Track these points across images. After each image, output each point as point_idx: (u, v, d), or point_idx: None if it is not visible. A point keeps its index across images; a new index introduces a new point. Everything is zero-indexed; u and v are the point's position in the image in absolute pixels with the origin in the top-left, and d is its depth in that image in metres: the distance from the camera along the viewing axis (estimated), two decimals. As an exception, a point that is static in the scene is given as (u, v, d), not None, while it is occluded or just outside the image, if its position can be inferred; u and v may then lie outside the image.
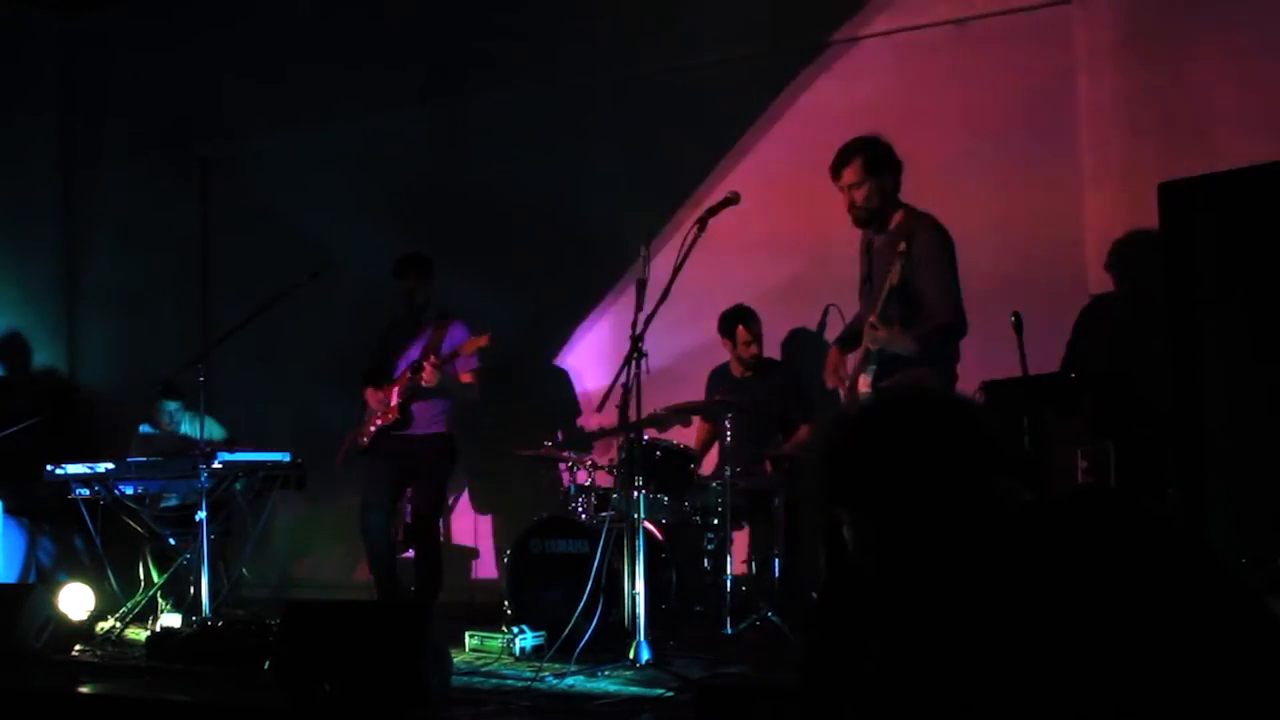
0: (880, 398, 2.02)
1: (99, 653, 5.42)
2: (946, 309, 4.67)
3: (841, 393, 4.96)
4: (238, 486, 5.97)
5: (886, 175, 4.80)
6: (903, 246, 4.62)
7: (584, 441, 6.75)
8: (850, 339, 5.10)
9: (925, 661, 1.74)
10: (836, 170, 4.86)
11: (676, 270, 5.01)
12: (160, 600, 5.96)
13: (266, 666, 4.39)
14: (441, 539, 6.50)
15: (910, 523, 1.73)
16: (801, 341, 6.76)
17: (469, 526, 7.34)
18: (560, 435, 6.84)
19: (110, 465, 5.77)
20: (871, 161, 4.79)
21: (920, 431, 1.77)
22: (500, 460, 6.84)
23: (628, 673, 4.61)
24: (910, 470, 1.73)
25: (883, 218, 4.84)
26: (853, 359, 4.93)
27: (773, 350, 6.49)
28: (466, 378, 6.25)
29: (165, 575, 5.98)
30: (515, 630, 5.18)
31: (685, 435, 6.50)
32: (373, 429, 6.27)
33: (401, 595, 6.21)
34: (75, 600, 5.75)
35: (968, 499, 1.72)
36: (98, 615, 5.86)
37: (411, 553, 6.36)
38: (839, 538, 1.82)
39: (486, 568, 6.58)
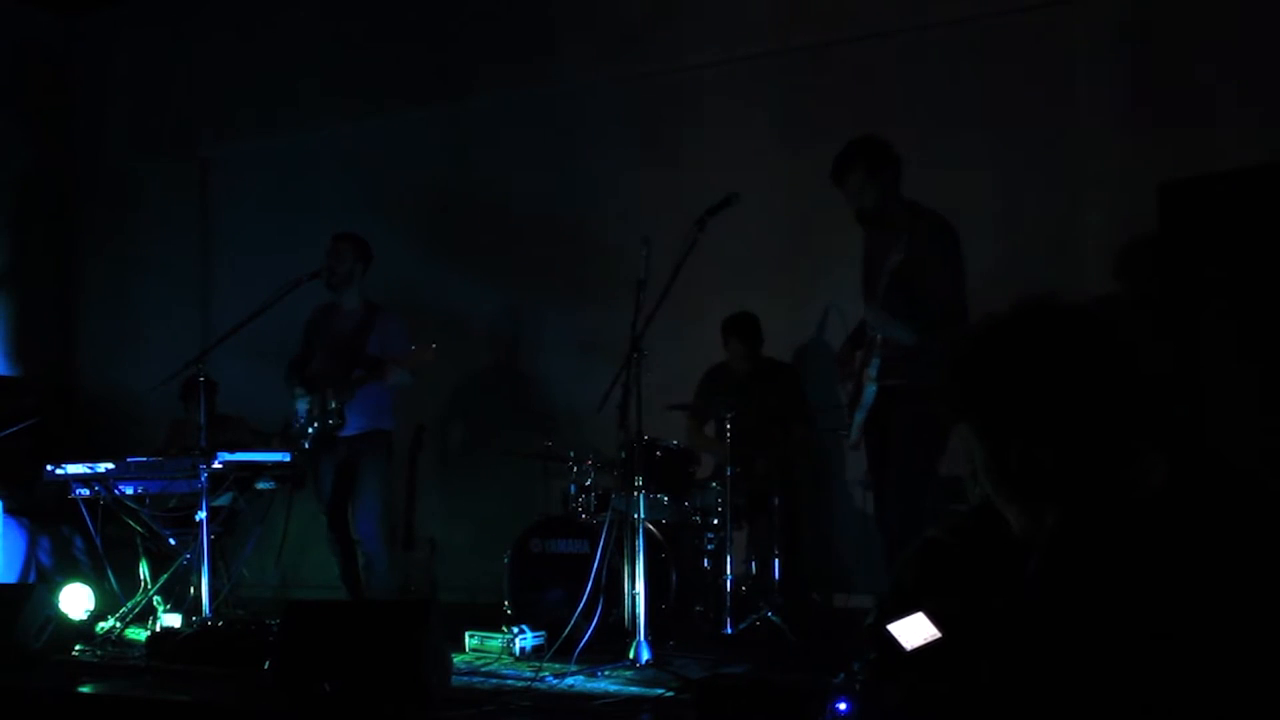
0: (1034, 307, 1.63)
1: (99, 653, 5.41)
2: (949, 304, 4.63)
3: (847, 389, 4.96)
4: (225, 499, 5.95)
5: (888, 172, 4.83)
6: (905, 240, 4.57)
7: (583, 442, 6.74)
8: (858, 338, 5.08)
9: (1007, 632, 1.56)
10: (840, 176, 4.87)
11: (677, 270, 5.01)
12: (156, 602, 5.95)
13: (266, 666, 4.38)
14: (386, 539, 6.40)
15: (1031, 462, 1.50)
16: (802, 342, 6.76)
17: (469, 527, 7.33)
18: (559, 435, 6.82)
19: (110, 465, 5.76)
20: (874, 163, 4.82)
21: (1080, 366, 1.51)
22: (500, 460, 6.83)
23: (628, 673, 4.60)
24: (1049, 395, 1.50)
25: (887, 215, 4.83)
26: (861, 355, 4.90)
27: (771, 351, 6.48)
28: (402, 363, 6.05)
29: (164, 576, 5.96)
30: (515, 630, 5.17)
31: (680, 434, 6.49)
32: (310, 431, 6.11)
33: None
34: (75, 600, 5.74)
35: (1101, 469, 1.49)
36: (98, 615, 5.85)
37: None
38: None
39: (486, 568, 6.56)
